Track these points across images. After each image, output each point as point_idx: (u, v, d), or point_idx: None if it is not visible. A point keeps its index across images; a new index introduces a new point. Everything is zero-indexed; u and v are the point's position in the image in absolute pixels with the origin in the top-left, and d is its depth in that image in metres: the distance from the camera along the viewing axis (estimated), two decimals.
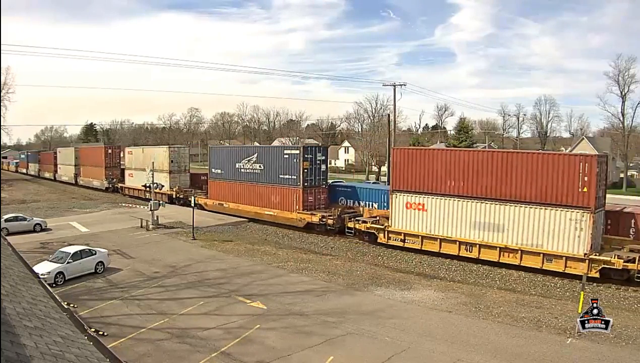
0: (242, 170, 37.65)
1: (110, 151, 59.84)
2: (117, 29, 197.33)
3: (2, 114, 78.34)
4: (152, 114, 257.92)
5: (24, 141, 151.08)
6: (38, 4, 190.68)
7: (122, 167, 59.16)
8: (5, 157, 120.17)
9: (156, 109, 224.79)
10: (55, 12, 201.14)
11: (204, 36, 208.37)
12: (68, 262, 21.08)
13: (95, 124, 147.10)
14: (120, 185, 56.29)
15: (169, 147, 49.67)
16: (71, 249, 22.25)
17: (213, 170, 41.21)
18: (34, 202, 50.37)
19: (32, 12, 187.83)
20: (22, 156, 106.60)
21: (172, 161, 47.51)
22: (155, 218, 34.55)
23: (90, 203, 49.08)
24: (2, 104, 77.36)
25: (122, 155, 60.23)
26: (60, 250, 22.63)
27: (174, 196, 46.41)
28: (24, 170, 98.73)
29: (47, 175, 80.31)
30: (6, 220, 31.20)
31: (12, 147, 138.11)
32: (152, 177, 36.72)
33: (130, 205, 46.72)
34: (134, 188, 50.92)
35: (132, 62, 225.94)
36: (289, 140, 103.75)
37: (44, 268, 19.92)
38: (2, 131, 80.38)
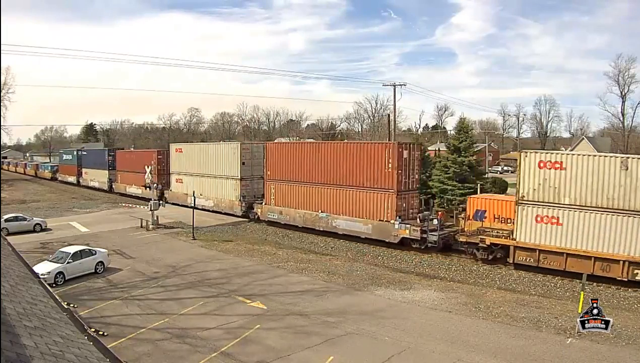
0: None
1: (392, 151, 27.40)
2: (118, 29, 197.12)
3: (2, 114, 78.36)
4: (152, 114, 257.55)
5: (24, 141, 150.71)
6: (38, 4, 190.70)
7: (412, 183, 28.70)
8: (5, 157, 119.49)
9: (156, 109, 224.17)
10: (55, 12, 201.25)
11: (204, 36, 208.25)
12: (68, 262, 21.10)
13: (95, 124, 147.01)
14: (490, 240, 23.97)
15: None
16: (71, 249, 22.26)
17: None
18: (34, 202, 50.39)
19: (32, 12, 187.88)
20: (67, 157, 71.39)
21: None
22: (155, 218, 34.56)
23: (91, 203, 49.10)
24: (2, 104, 77.41)
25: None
26: (60, 250, 22.65)
27: None
28: (73, 179, 67.15)
29: (134, 190, 50.41)
30: (6, 220, 31.24)
31: (12, 147, 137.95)
32: (150, 176, 36.76)
33: (130, 205, 46.71)
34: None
35: (132, 62, 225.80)
36: (289, 140, 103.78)
37: (44, 268, 19.94)
38: (2, 131, 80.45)
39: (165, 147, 54.15)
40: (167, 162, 47.05)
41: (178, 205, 42.67)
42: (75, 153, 69.14)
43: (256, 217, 35.85)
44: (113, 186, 56.50)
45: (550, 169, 22.59)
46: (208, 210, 39.54)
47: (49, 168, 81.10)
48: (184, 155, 44.18)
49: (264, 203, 35.16)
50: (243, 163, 36.91)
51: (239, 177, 37.13)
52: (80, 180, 65.40)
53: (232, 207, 37.95)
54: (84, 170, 64.96)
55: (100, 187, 59.14)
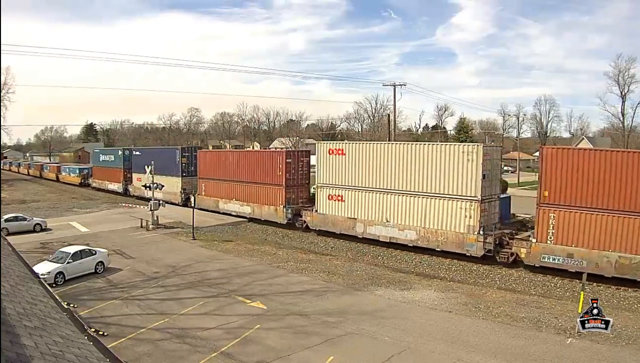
0: None
1: None
2: (118, 29, 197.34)
3: (2, 114, 78.36)
4: (152, 114, 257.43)
5: (24, 141, 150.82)
6: (38, 4, 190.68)
7: None
8: (5, 157, 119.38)
9: (156, 109, 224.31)
10: (55, 12, 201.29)
11: (204, 36, 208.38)
12: (68, 262, 21.09)
13: (95, 124, 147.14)
14: None
15: None
16: (71, 249, 22.26)
17: None
18: (34, 202, 50.38)
19: (32, 12, 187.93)
20: (107, 157, 57.26)
21: None
22: (155, 218, 34.56)
23: (91, 203, 49.07)
24: (2, 104, 77.45)
25: None
26: (60, 250, 22.65)
27: None
28: (116, 187, 53.82)
29: (239, 208, 37.56)
30: (6, 220, 31.24)
31: (12, 147, 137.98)
32: (152, 177, 36.75)
33: (130, 205, 46.69)
34: None
35: (132, 62, 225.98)
36: (289, 140, 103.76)
37: (44, 268, 19.93)
38: (2, 131, 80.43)
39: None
40: (299, 167, 34.56)
41: (334, 234, 31.00)
42: (121, 152, 53.85)
43: (511, 259, 23.98)
44: (191, 200, 35.84)
45: None
46: (405, 245, 27.21)
47: (77, 171, 66.15)
48: (346, 159, 30.06)
49: (535, 241, 22.69)
50: (484, 176, 24.34)
51: (478, 197, 24.25)
52: (130, 189, 51.38)
53: (462, 243, 24.77)
54: (135, 175, 49.51)
55: (168, 199, 42.42)
